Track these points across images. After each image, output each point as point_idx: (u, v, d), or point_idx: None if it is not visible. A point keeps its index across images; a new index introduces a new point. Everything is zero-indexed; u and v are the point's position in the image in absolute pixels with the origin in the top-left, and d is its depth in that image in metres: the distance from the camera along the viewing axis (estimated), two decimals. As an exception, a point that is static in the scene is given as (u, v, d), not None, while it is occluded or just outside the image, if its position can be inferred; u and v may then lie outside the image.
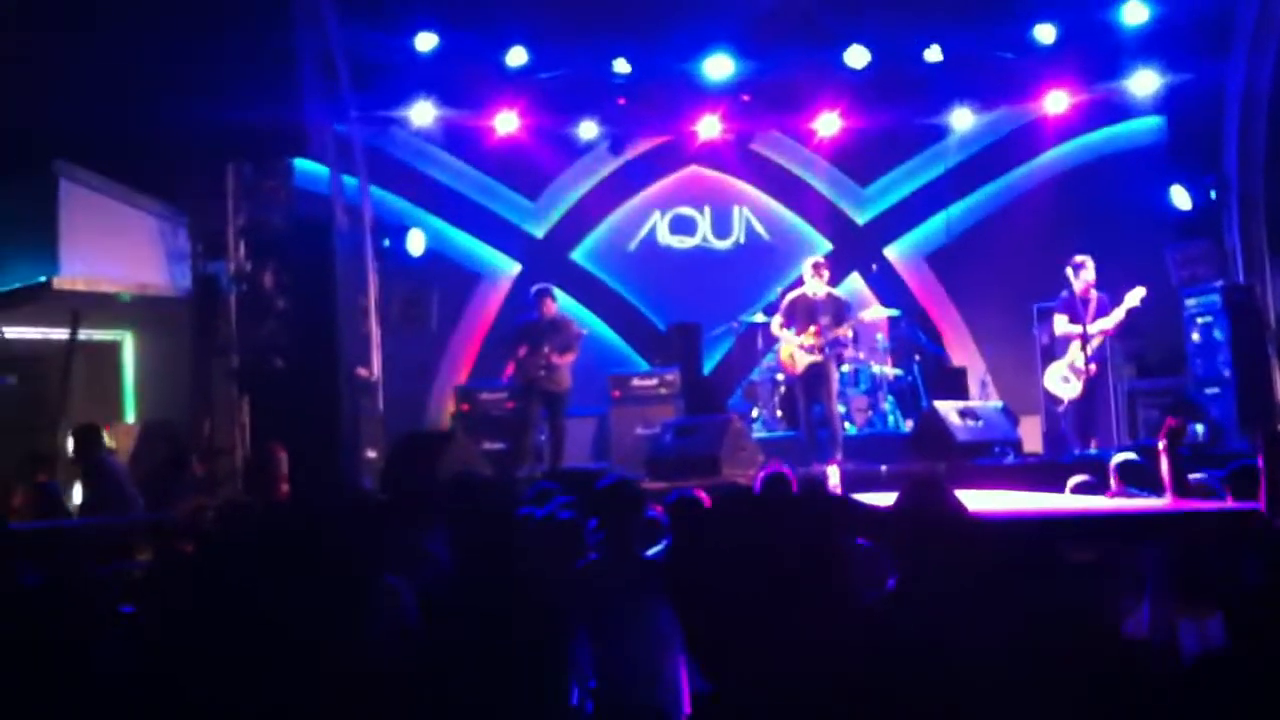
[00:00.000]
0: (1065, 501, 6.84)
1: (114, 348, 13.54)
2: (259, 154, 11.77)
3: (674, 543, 2.06)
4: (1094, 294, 11.66)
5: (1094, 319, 11.56)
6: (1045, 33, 14.18)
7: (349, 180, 13.78)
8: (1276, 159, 13.43)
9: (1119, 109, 14.98)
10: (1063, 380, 11.84)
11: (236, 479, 11.00)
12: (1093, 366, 11.55)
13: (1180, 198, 13.86)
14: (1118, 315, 11.52)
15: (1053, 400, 12.21)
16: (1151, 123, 15.15)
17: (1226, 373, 12.49)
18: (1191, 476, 6.32)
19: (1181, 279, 13.52)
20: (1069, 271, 11.74)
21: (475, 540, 4.11)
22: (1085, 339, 11.52)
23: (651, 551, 5.76)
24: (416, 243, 13.72)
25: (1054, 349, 12.22)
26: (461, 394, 13.84)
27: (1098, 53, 14.40)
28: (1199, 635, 5.46)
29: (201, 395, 11.69)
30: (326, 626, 2.58)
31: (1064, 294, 11.71)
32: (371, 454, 12.13)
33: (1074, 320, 11.67)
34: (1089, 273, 11.68)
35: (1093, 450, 11.28)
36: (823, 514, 1.98)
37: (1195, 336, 13.01)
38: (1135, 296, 11.49)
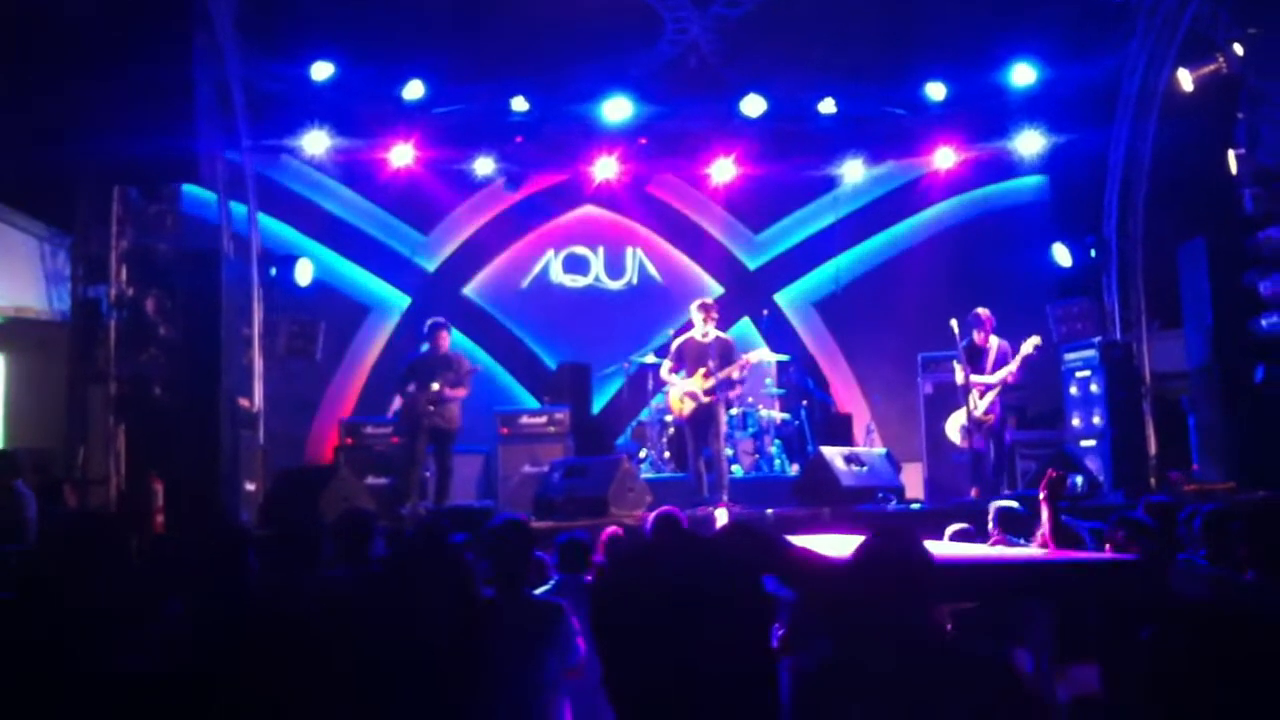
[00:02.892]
0: (946, 549, 6.91)
1: (-17, 370, 13.11)
2: (147, 179, 11.49)
3: (601, 578, 2.01)
4: (994, 343, 11.79)
5: (993, 369, 11.71)
6: (936, 90, 14.55)
7: (238, 208, 13.54)
8: (1155, 225, 13.89)
9: (1005, 167, 15.41)
10: (963, 429, 11.93)
11: (110, 510, 10.67)
12: (990, 416, 11.69)
13: (1062, 255, 14.28)
14: (1013, 365, 11.64)
15: (954, 449, 12.34)
16: (1036, 181, 15.62)
17: (1103, 426, 12.81)
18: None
19: (1061, 334, 13.89)
20: (970, 322, 11.81)
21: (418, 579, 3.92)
22: (985, 389, 11.65)
23: (539, 591, 5.71)
24: (304, 273, 13.53)
25: (955, 397, 12.24)
26: (346, 428, 13.61)
27: (986, 112, 14.82)
28: (1076, 682, 5.56)
29: (76, 422, 11.33)
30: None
31: (963, 344, 11.76)
32: (251, 487, 11.89)
33: (975, 370, 11.77)
34: (988, 325, 11.83)
35: (973, 497, 11.44)
36: (749, 556, 1.96)
37: (1073, 390, 13.34)
38: (1029, 345, 11.70)
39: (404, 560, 3.97)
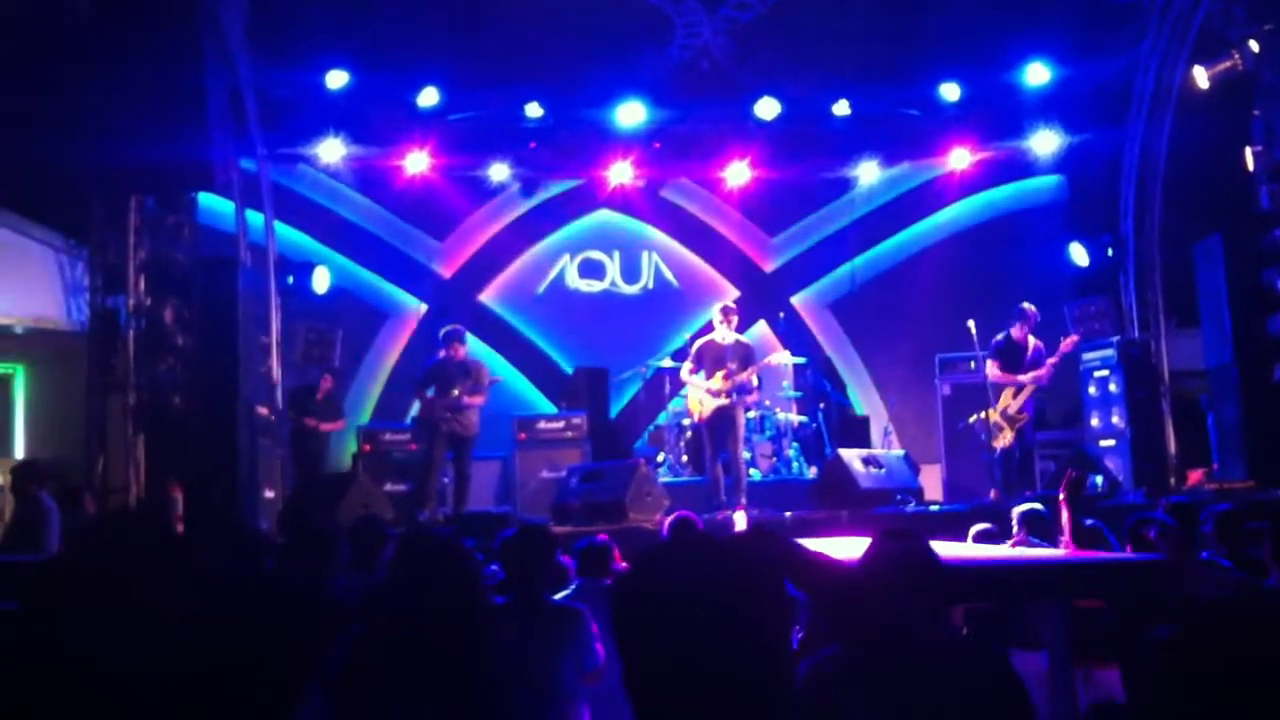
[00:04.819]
0: (968, 550, 6.89)
1: (5, 381, 13.18)
2: (163, 188, 11.54)
3: (625, 579, 2.00)
4: (1031, 341, 11.73)
5: (1028, 367, 11.64)
6: (950, 91, 14.52)
7: (254, 216, 13.59)
8: (1171, 223, 13.83)
9: (1020, 167, 15.37)
10: (986, 426, 11.84)
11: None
12: (1024, 415, 11.60)
13: (1078, 255, 14.22)
14: (1046, 367, 11.57)
15: (974, 449, 12.27)
16: (1051, 181, 15.57)
17: (1122, 425, 12.75)
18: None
19: (1079, 334, 13.82)
20: (1016, 316, 11.74)
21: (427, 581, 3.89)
22: (1020, 386, 11.57)
23: (558, 596, 5.72)
24: (321, 281, 13.56)
25: (972, 397, 12.17)
26: (364, 434, 13.63)
27: (1000, 112, 14.79)
28: (1096, 684, 5.54)
29: (96, 431, 11.38)
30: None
31: (998, 339, 11.70)
32: (270, 494, 11.91)
33: (1007, 367, 11.69)
34: (1032, 321, 11.75)
35: (992, 499, 11.40)
36: (767, 558, 1.95)
37: (1092, 390, 13.29)
38: (1068, 343, 11.64)
39: (407, 564, 3.97)
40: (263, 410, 12.37)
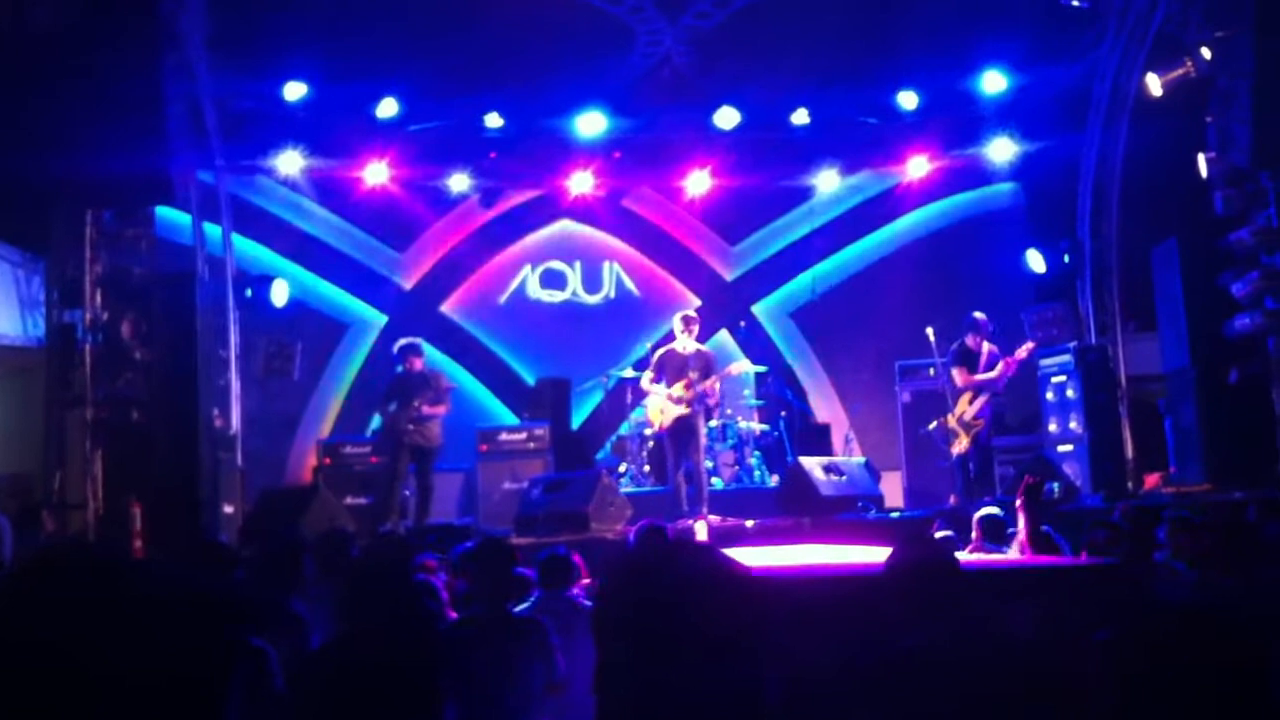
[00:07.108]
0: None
1: (-40, 397, 13.03)
2: (120, 201, 11.44)
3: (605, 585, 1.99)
4: (986, 348, 11.85)
5: (983, 373, 11.76)
6: (908, 99, 14.60)
7: (212, 229, 13.51)
8: (1128, 228, 13.96)
9: (978, 175, 15.48)
10: (943, 432, 11.94)
11: (89, 535, 10.62)
12: (979, 421, 11.71)
13: (1036, 261, 14.35)
14: (1000, 367, 11.71)
15: (934, 456, 12.38)
16: (1009, 188, 15.69)
17: (1080, 430, 12.84)
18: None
19: (1036, 340, 13.93)
20: (968, 325, 11.89)
21: (371, 602, 3.88)
22: (975, 393, 11.69)
23: (520, 608, 5.71)
24: (280, 293, 13.49)
25: (932, 404, 12.30)
26: (324, 448, 13.54)
27: (958, 120, 14.89)
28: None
29: (54, 447, 11.26)
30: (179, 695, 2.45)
31: (954, 346, 11.84)
32: (229, 509, 11.83)
33: (969, 372, 11.81)
34: (985, 329, 11.89)
35: (951, 504, 11.47)
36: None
37: (1050, 395, 13.37)
38: (1024, 350, 11.78)
39: (357, 585, 3.95)
40: (221, 423, 12.30)
